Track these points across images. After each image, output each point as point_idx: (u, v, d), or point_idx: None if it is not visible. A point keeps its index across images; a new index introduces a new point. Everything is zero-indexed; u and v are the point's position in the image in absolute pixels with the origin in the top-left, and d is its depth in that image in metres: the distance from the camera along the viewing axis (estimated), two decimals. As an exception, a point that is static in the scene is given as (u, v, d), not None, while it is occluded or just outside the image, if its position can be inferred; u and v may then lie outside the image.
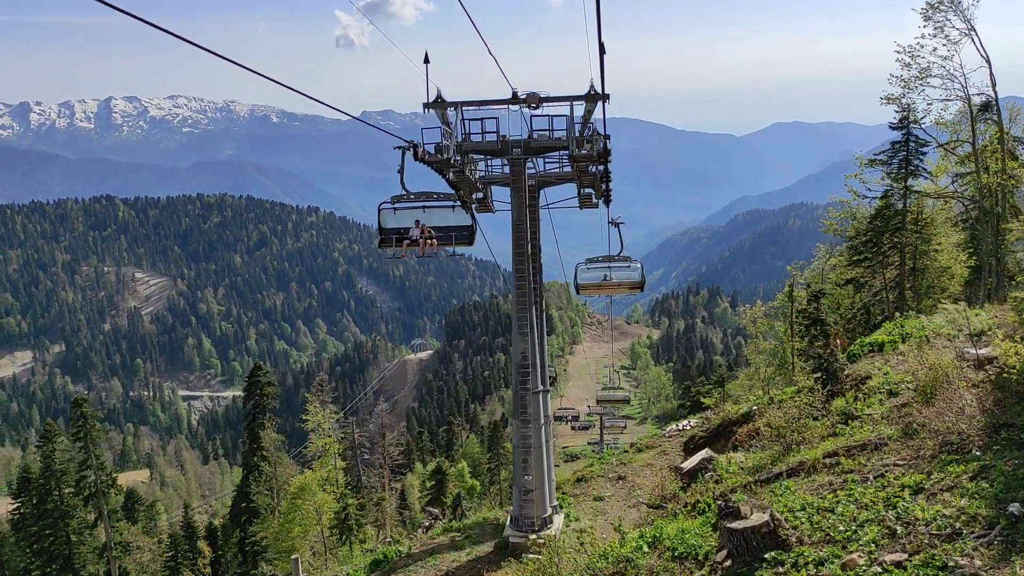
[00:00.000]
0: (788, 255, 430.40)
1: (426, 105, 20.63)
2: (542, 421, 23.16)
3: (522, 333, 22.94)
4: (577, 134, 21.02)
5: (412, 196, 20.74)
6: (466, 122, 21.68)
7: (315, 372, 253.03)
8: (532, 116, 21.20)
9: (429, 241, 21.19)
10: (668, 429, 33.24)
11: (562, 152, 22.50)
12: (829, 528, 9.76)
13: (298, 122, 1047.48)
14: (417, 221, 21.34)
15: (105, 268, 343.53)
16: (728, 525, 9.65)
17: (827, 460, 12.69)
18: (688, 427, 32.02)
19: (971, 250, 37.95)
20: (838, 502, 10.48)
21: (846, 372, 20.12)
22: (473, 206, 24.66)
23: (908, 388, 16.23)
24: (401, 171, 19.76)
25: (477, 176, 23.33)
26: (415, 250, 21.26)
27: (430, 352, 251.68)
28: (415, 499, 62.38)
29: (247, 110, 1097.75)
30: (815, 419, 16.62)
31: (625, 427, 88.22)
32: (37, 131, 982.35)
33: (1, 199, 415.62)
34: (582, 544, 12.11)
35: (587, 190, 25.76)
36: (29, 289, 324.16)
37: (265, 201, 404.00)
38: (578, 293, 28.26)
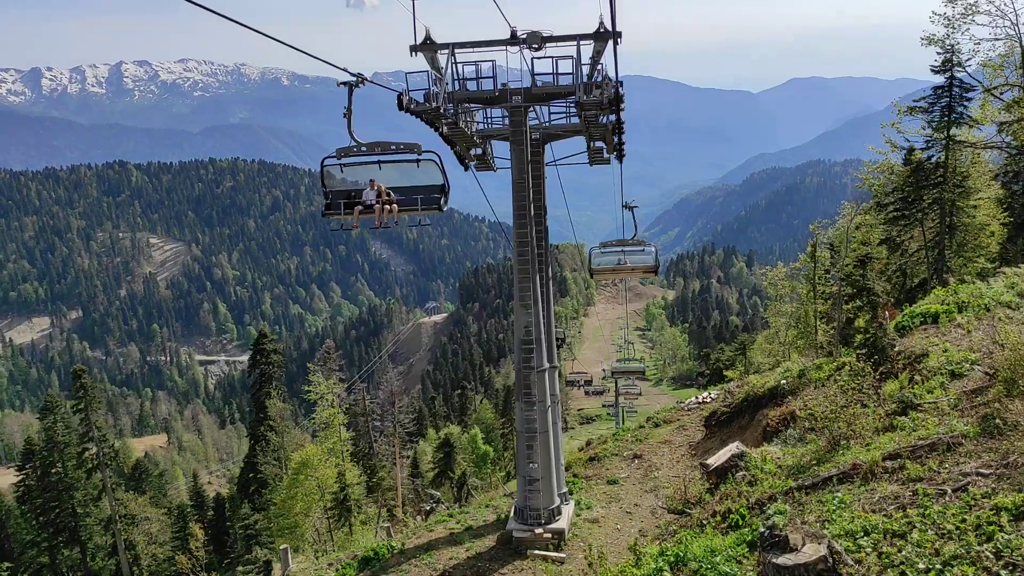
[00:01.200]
0: (805, 213, 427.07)
1: (413, 48, 18.11)
2: (548, 403, 21.05)
3: (524, 305, 20.62)
4: (585, 78, 18.75)
5: (363, 148, 15.82)
6: (460, 67, 19.12)
7: (330, 336, 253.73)
8: (534, 59, 18.81)
9: (388, 206, 16.58)
10: (687, 401, 30.76)
11: (569, 101, 19.95)
12: (905, 565, 7.66)
13: (309, 84, 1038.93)
14: (372, 181, 16.77)
15: (120, 234, 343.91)
16: (774, 561, 7.63)
17: (888, 463, 10.44)
18: (709, 399, 29.56)
19: (1008, 205, 34.88)
20: (912, 526, 8.40)
21: (896, 348, 17.51)
22: (472, 164, 22.77)
23: (976, 369, 13.91)
24: (348, 113, 15.17)
25: (474, 129, 21.11)
26: (370, 219, 16.65)
27: (444, 315, 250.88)
28: (427, 467, 61.05)
29: (258, 73, 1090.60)
30: (864, 406, 14.26)
31: (640, 393, 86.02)
32: (49, 97, 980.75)
33: (15, 165, 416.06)
34: (590, 566, 10.21)
35: (598, 143, 23.40)
36: (45, 256, 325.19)
37: (278, 165, 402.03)
38: (592, 277, 28.62)
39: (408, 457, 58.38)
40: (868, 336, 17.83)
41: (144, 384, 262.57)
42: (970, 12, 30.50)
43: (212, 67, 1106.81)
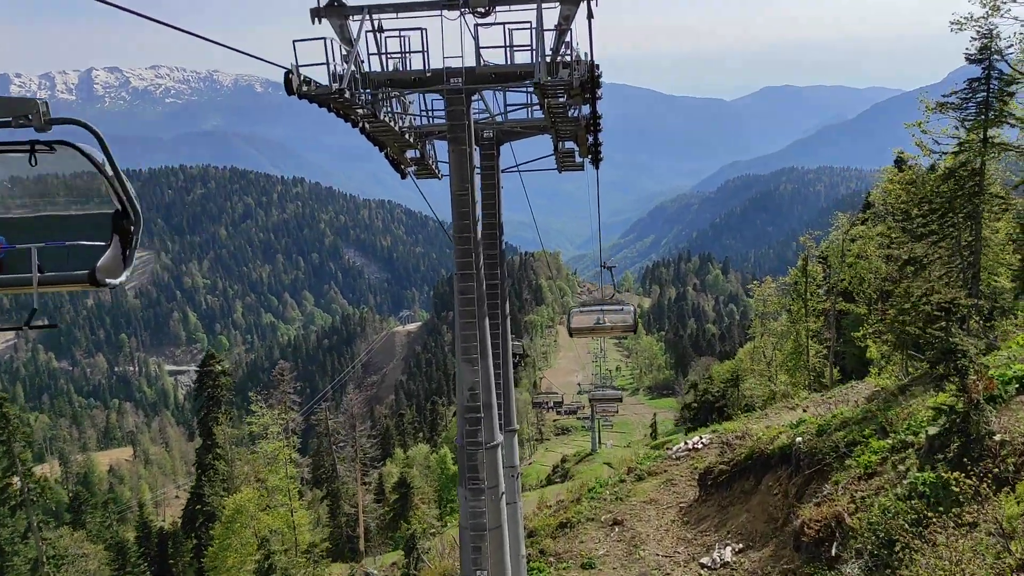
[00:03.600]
0: (780, 220, 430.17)
1: (316, 12, 14.11)
2: (502, 488, 16.27)
3: (469, 359, 15.67)
4: (549, 52, 14.35)
5: None
6: (382, 39, 15.09)
7: (303, 345, 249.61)
8: (478, 26, 14.63)
9: None
10: (675, 448, 27.19)
11: (527, 85, 15.50)
12: None
13: (283, 91, 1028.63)
14: None
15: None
16: None
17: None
18: (700, 445, 26.03)
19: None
20: None
21: (997, 436, 13.05)
22: (409, 170, 18.67)
23: None
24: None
25: (407, 124, 17.14)
26: None
27: (418, 324, 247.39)
28: (389, 491, 57.77)
29: (231, 80, 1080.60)
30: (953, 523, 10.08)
31: (618, 410, 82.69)
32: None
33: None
34: None
35: (568, 144, 19.51)
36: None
37: (250, 172, 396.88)
38: (571, 336, 28.49)
39: (371, 484, 55.09)
40: (954, 420, 13.44)
41: (112, 395, 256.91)
42: None
43: (184, 74, 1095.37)
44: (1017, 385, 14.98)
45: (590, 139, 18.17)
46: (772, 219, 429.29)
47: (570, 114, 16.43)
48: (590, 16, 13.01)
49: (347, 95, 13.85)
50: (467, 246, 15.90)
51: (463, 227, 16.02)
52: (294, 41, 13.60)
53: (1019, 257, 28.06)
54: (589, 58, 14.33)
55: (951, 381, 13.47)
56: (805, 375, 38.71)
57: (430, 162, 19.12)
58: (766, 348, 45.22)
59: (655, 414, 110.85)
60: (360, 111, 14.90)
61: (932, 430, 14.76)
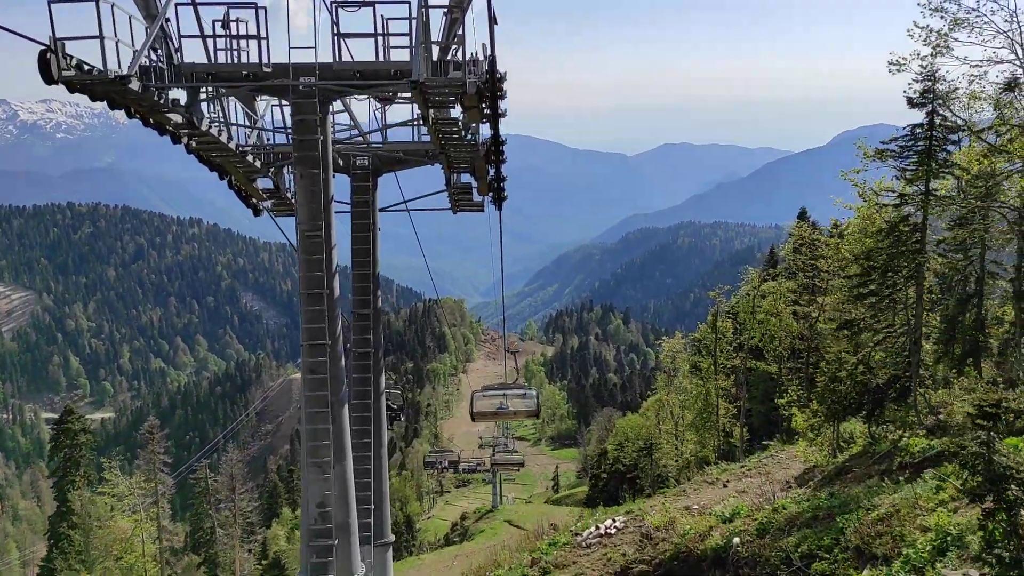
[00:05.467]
0: (678, 272, 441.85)
1: None
2: None
3: (319, 464, 11.80)
4: (440, 40, 11.07)
5: None
6: (201, 18, 11.18)
7: (194, 392, 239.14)
8: (336, 4, 11.25)
9: None
10: (585, 533, 23.46)
11: (407, 90, 11.27)
12: None
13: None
14: None
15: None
16: None
17: None
18: (613, 529, 22.60)
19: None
20: None
21: None
22: (264, 204, 15.29)
23: None
24: None
25: (253, 142, 13.66)
26: None
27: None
28: (282, 548, 54.62)
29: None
30: None
31: (521, 467, 79.82)
32: None
33: None
34: None
35: (464, 178, 16.17)
36: None
37: (143, 211, 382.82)
38: (473, 420, 27.84)
39: (252, 550, 51.68)
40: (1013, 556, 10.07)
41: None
42: (957, 25, 21.90)
43: (78, 108, 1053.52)
44: None
45: (491, 171, 14.31)
46: (671, 271, 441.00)
47: (466, 137, 13.19)
48: (493, 21, 10.25)
49: (134, 86, 10.11)
50: (317, 307, 11.66)
51: (312, 280, 11.78)
52: (50, 2, 9.53)
53: (939, 318, 26.14)
54: (490, 56, 10.63)
55: (1000, 514, 10.06)
56: (715, 435, 38.02)
57: (288, 195, 15.50)
58: (673, 407, 44.35)
59: (557, 466, 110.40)
60: (171, 116, 11.44)
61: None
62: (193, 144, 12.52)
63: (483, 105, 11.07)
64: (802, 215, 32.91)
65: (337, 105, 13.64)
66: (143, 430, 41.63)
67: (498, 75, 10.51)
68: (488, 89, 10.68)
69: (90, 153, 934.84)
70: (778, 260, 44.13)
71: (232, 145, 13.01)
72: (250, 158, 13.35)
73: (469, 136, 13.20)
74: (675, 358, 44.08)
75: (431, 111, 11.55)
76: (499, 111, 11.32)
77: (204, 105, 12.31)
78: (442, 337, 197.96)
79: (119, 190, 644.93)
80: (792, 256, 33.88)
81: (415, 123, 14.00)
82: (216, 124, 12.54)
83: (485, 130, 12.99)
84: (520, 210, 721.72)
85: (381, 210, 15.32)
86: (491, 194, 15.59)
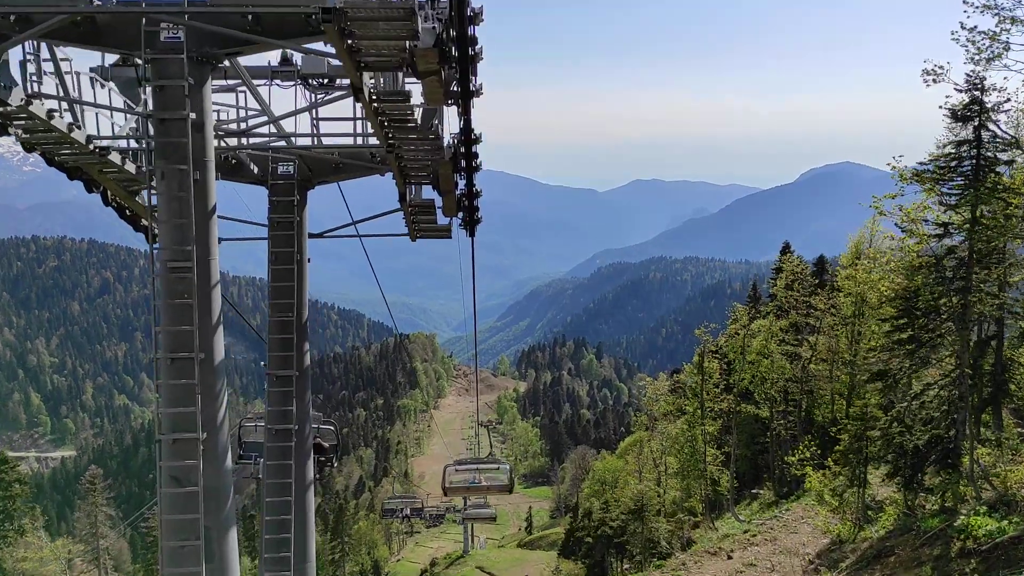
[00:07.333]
0: (649, 307, 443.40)
1: None
2: None
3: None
4: None
5: None
6: None
7: (158, 429, 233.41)
8: None
9: None
10: None
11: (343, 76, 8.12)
12: None
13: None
14: None
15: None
16: None
17: None
18: None
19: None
20: None
21: None
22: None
23: None
24: None
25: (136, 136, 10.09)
26: None
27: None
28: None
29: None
30: None
31: (494, 521, 73.54)
32: None
33: None
34: None
35: (426, 192, 12.44)
36: None
37: (110, 245, 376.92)
38: (445, 495, 28.10)
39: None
40: None
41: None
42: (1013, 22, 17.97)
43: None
44: None
45: (460, 184, 10.89)
46: (643, 305, 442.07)
47: (426, 135, 9.57)
48: None
49: None
50: (180, 382, 8.58)
51: (179, 339, 8.81)
52: None
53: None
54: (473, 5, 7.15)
55: None
56: (702, 484, 36.49)
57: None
58: (655, 453, 42.74)
59: (530, 507, 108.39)
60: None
61: None
62: (22, 136, 9.11)
63: (445, 67, 7.17)
64: (785, 249, 32.26)
65: (254, 98, 10.21)
66: (84, 480, 38.53)
67: (469, 38, 6.99)
68: (456, 50, 7.01)
69: (58, 185, 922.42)
70: (760, 295, 43.38)
71: (82, 137, 9.60)
72: (116, 158, 9.97)
73: (431, 134, 9.65)
74: (660, 401, 41.79)
75: (362, 70, 7.16)
76: (472, 89, 7.65)
77: (30, 65, 8.84)
78: (413, 373, 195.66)
79: (87, 222, 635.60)
80: (784, 293, 32.76)
81: (358, 119, 10.53)
82: (54, 100, 8.79)
83: (452, 117, 9.11)
84: (492, 245, 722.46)
85: (312, 236, 11.86)
86: (461, 215, 12.37)
